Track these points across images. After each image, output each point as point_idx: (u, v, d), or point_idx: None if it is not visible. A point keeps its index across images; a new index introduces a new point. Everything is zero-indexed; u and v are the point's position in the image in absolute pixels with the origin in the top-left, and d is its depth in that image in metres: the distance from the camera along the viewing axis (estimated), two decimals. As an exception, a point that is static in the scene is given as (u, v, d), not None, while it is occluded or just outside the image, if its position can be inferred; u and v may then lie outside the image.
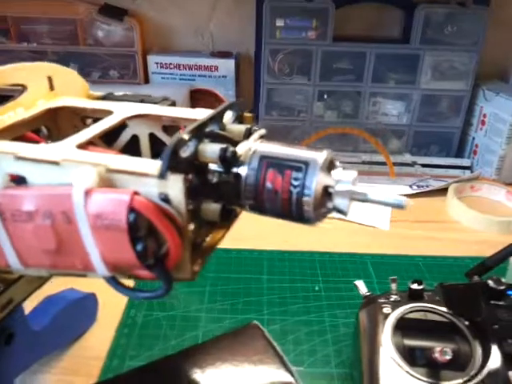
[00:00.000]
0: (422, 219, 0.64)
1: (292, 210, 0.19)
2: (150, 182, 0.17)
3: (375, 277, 0.52)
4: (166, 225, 0.17)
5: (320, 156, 0.19)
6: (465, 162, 0.80)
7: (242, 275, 0.52)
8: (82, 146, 0.20)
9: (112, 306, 0.45)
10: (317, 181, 0.18)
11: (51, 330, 0.39)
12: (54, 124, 0.28)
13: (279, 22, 0.74)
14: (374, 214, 0.64)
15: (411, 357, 0.31)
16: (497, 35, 0.78)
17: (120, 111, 0.25)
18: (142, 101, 0.25)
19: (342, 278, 0.52)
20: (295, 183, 0.18)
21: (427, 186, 0.73)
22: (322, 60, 0.76)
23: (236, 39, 0.83)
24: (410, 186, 0.74)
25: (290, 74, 0.78)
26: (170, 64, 0.79)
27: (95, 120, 0.25)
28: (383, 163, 0.77)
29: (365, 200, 0.19)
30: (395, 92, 0.80)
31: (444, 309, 0.34)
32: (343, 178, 0.19)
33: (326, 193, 0.19)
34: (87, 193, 0.17)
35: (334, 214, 0.20)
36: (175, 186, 0.17)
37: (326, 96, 0.80)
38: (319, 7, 0.73)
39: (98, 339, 0.42)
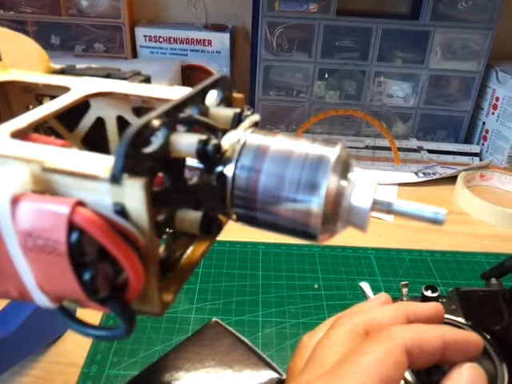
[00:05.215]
0: (428, 210, 0.60)
1: (294, 223, 0.14)
2: (101, 187, 0.13)
3: (380, 274, 0.48)
4: (122, 247, 0.12)
5: (332, 152, 0.14)
6: (474, 148, 0.75)
7: (236, 271, 0.48)
8: (20, 134, 0.16)
9: (91, 305, 0.41)
10: (328, 186, 0.14)
11: (20, 335, 0.35)
12: (5, 104, 0.23)
13: (279, -7, 0.68)
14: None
15: (425, 375, 0.27)
16: (514, 11, 0.73)
17: (79, 88, 0.20)
18: (108, 75, 0.20)
19: (344, 274, 0.48)
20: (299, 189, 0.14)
21: (434, 174, 0.69)
22: (325, 35, 0.70)
23: (232, 11, 0.77)
24: (416, 174, 0.69)
25: (289, 50, 0.72)
26: (160, 37, 0.73)
27: (53, 99, 0.20)
28: (387, 148, 0.72)
29: (389, 211, 0.15)
30: (402, 72, 0.74)
31: (462, 319, 0.30)
32: (362, 183, 0.14)
33: (340, 201, 0.14)
34: (14, 201, 0.13)
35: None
36: (134, 195, 0.12)
37: (327, 75, 0.74)
38: (323, -24, 0.67)
39: (76, 344, 0.38)
